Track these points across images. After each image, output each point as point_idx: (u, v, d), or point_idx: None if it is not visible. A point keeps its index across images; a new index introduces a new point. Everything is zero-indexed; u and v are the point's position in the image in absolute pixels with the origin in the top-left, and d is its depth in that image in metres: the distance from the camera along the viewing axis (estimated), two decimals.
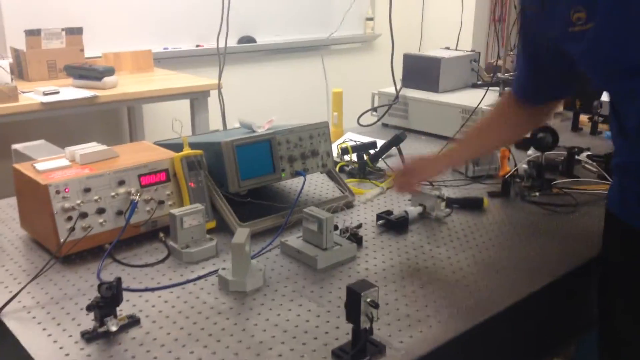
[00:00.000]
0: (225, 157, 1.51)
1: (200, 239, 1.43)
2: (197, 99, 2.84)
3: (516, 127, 1.64)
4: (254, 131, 1.66)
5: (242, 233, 1.28)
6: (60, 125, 3.03)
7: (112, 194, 1.43)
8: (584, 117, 2.58)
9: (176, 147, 1.57)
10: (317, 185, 1.88)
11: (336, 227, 1.47)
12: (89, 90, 2.57)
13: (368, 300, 1.01)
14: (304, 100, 3.66)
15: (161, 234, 1.46)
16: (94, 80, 2.63)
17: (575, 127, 2.55)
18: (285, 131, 1.61)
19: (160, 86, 2.80)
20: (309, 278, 1.32)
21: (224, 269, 1.29)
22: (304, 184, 1.58)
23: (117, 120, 3.41)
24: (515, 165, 1.91)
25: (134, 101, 2.82)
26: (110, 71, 2.64)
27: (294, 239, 1.45)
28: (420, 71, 2.55)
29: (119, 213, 1.43)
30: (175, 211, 1.40)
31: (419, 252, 1.45)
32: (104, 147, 1.54)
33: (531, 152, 2.06)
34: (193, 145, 1.56)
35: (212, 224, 1.55)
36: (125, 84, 2.76)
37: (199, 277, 1.31)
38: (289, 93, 3.79)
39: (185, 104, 2.95)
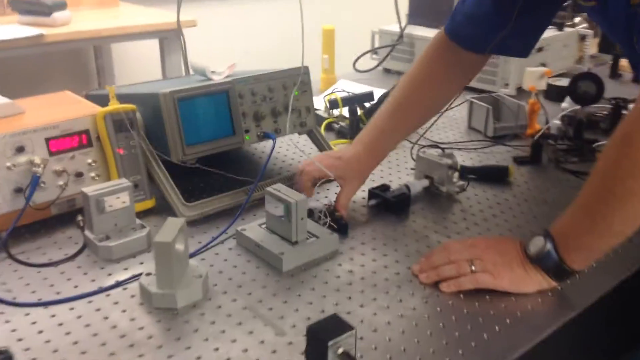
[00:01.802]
0: (165, 115, 1.12)
1: (127, 226, 1.06)
2: (166, 38, 2.42)
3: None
4: (208, 79, 1.26)
5: (171, 226, 0.90)
6: (7, 71, 2.62)
7: (8, 164, 1.05)
8: (625, 62, 2.15)
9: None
10: (293, 151, 1.49)
11: (311, 212, 1.09)
12: (35, 28, 2.16)
13: (339, 352, 0.64)
14: (291, 41, 3.20)
15: (79, 218, 1.09)
16: (42, 16, 2.21)
17: (615, 74, 2.13)
18: (250, 79, 1.21)
19: (122, 23, 2.37)
20: (269, 286, 0.95)
21: (149, 273, 0.93)
22: (272, 149, 1.19)
23: (82, 65, 3.00)
24: (547, 121, 1.51)
25: (88, 41, 2.40)
26: (61, 5, 2.21)
27: (254, 228, 1.07)
28: (430, 5, 2.11)
29: (18, 190, 1.06)
30: (90, 189, 1.02)
31: (424, 243, 1.07)
32: (3, 100, 1.15)
33: (566, 104, 1.66)
34: (124, 98, 1.17)
35: (150, 203, 1.17)
36: (81, 21, 2.34)
37: (115, 285, 0.94)
38: (274, 32, 3.34)
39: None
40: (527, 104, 1.58)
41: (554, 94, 1.76)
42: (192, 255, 1.02)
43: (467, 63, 1.24)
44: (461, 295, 0.92)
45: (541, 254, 0.92)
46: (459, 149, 1.50)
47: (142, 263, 1.01)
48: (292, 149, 1.48)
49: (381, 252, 1.04)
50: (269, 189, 1.03)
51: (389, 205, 1.18)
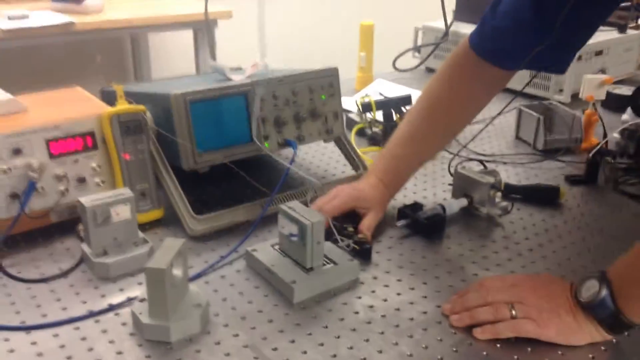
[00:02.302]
0: (176, 118, 1.02)
1: (128, 241, 0.96)
2: (200, 29, 2.33)
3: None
4: (228, 79, 1.15)
5: (169, 248, 0.80)
6: (41, 60, 2.57)
7: (4, 167, 0.96)
8: None
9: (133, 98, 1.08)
10: (319, 159, 1.37)
11: (330, 233, 0.97)
12: (65, 15, 2.10)
13: None
14: (331, 37, 3.06)
15: (80, 228, 1.00)
16: (74, 3, 2.15)
17: None
18: (272, 81, 1.10)
19: (155, 12, 2.29)
20: (277, 320, 0.83)
21: (144, 299, 0.82)
22: (293, 159, 1.08)
23: (119, 56, 2.94)
24: (605, 135, 1.35)
25: (120, 30, 2.33)
26: None
27: (266, 249, 0.96)
28: (479, 0, 1.96)
29: (14, 196, 0.97)
30: (88, 199, 0.93)
31: (458, 276, 0.94)
32: (4, 96, 1.06)
33: (627, 116, 1.49)
34: (134, 97, 1.07)
35: (159, 214, 1.07)
36: (114, 9, 2.27)
37: (106, 310, 0.85)
38: (311, 27, 3.21)
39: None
40: (583, 114, 1.42)
41: (613, 103, 1.59)
42: (194, 278, 0.92)
43: (493, 79, 1.10)
44: (498, 345, 0.79)
45: (595, 301, 0.78)
46: (504, 162, 1.35)
47: (140, 283, 0.91)
48: (317, 157, 1.36)
49: (408, 284, 0.92)
50: (282, 206, 0.92)
51: (421, 227, 1.05)
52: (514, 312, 0.80)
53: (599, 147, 1.31)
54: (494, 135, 1.51)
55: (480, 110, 1.13)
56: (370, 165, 1.14)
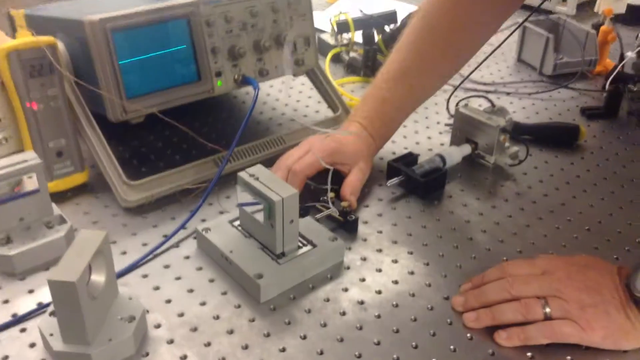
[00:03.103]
0: (94, 53, 0.77)
1: (38, 221, 0.73)
2: None
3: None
4: None
5: (82, 247, 0.57)
6: None
7: None
8: None
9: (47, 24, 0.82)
10: (288, 100, 1.13)
11: (305, 209, 0.75)
12: None
13: None
14: None
15: None
16: None
17: None
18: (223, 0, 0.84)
19: None
20: (239, 330, 0.63)
21: (54, 312, 0.61)
22: (254, 101, 0.84)
23: None
24: (622, 57, 1.13)
25: None
26: None
27: (223, 226, 0.74)
28: None
29: None
30: None
31: (468, 251, 0.74)
32: None
33: None
34: (41, 24, 0.81)
35: (82, 177, 0.84)
36: None
37: (7, 324, 0.63)
38: None
39: None
40: (597, 31, 1.20)
41: (633, 18, 1.36)
42: (128, 271, 0.70)
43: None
44: (529, 354, 0.61)
45: None
46: (507, 93, 1.14)
47: None
48: (275, 99, 1.12)
49: (406, 266, 0.72)
50: (242, 175, 0.69)
51: (417, 186, 0.84)
52: (547, 310, 0.62)
53: (616, 71, 1.10)
54: (492, 58, 1.27)
55: (490, 37, 0.90)
56: (353, 109, 0.91)
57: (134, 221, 0.78)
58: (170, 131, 0.96)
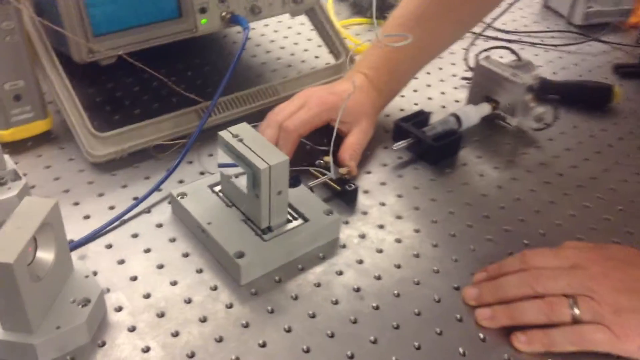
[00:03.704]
0: None
1: None
2: None
3: None
4: None
5: (23, 219, 0.47)
6: None
7: None
8: None
9: None
10: (282, 41, 1.01)
11: (296, 178, 0.64)
12: None
13: None
14: None
15: None
16: None
17: None
18: None
19: None
20: (214, 318, 0.54)
21: None
22: (243, 44, 0.72)
23: None
24: None
25: None
26: None
27: (202, 192, 0.64)
28: None
29: None
30: None
31: (483, 230, 0.64)
32: None
33: None
34: None
35: (44, 125, 0.73)
36: None
37: None
38: None
39: None
40: None
41: None
42: (88, 240, 0.60)
43: None
44: None
45: None
46: (532, 43, 1.02)
47: None
48: (280, 38, 1.00)
49: (411, 247, 0.62)
50: (222, 134, 0.59)
51: (427, 150, 0.73)
52: (576, 312, 0.52)
53: None
54: (515, 4, 1.15)
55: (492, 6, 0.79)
56: (358, 57, 0.79)
57: (101, 179, 0.68)
58: (148, 77, 0.85)
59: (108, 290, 0.55)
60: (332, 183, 0.67)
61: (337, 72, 0.86)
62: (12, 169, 0.65)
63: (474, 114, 0.78)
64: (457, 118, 0.76)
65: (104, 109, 0.79)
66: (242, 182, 0.58)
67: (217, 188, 0.64)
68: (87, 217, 0.63)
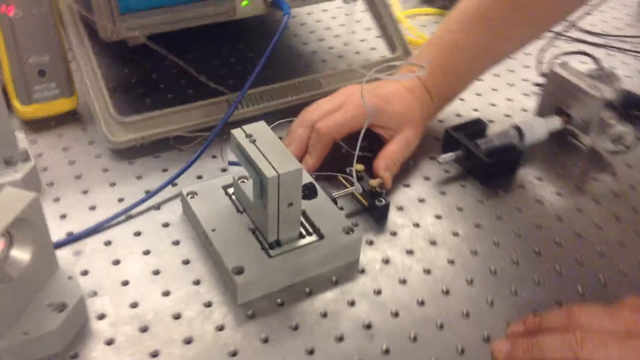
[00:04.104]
0: None
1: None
2: None
3: None
4: None
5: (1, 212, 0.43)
6: None
7: None
8: None
9: None
10: (333, 30, 0.93)
11: (311, 188, 0.57)
12: None
13: None
14: None
15: None
16: None
17: None
18: None
19: None
20: (200, 341, 0.48)
21: None
22: (282, 30, 0.65)
23: None
24: None
25: None
26: None
27: (214, 192, 0.58)
28: None
29: None
30: None
31: (534, 270, 0.55)
32: None
33: None
34: None
35: (69, 104, 0.69)
36: None
37: None
38: None
39: None
40: None
41: None
42: (86, 235, 0.56)
43: None
44: None
45: None
46: (624, 50, 0.89)
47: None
48: (332, 26, 0.92)
49: (441, 280, 0.53)
50: (235, 132, 0.52)
51: (479, 167, 0.64)
52: None
53: None
54: (607, 1, 1.01)
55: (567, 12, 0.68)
56: (414, 53, 0.71)
57: (117, 167, 0.64)
58: (193, 55, 0.80)
59: (95, 293, 0.51)
60: (359, 196, 0.59)
61: (391, 68, 0.77)
62: (24, 149, 0.61)
63: (540, 128, 0.67)
64: (520, 131, 0.66)
65: (137, 91, 0.74)
66: (249, 188, 0.52)
67: (232, 190, 0.58)
68: (93, 207, 0.59)
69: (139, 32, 0.63)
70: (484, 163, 0.63)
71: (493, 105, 0.76)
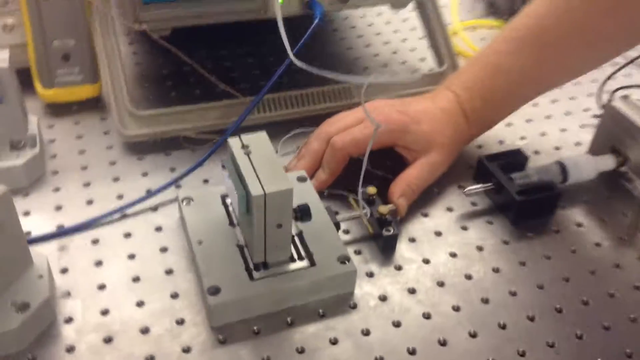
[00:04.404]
0: None
1: (3, 137, 0.59)
2: None
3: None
4: None
5: None
6: None
7: None
8: None
9: None
10: (391, 37, 0.87)
11: (304, 210, 0.51)
12: None
13: None
14: None
15: None
16: None
17: None
18: None
19: None
20: (165, 358, 0.45)
21: None
22: (311, 31, 0.60)
23: None
24: None
25: None
26: None
27: (211, 200, 0.54)
28: None
29: None
30: None
31: (547, 325, 0.48)
32: None
33: None
34: None
35: (91, 91, 0.68)
36: None
37: None
38: None
39: None
40: None
41: None
42: (75, 231, 0.54)
43: None
44: None
45: None
46: None
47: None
48: (388, 32, 0.86)
49: (439, 329, 0.47)
50: (231, 141, 0.48)
51: (508, 203, 0.57)
52: None
53: None
54: None
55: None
56: (452, 75, 0.64)
57: (124, 161, 0.61)
58: (228, 51, 0.77)
59: (68, 294, 0.48)
60: (367, 222, 0.54)
61: (435, 82, 0.71)
62: (33, 134, 0.60)
63: (589, 167, 0.60)
64: (563, 168, 0.59)
65: (165, 83, 0.72)
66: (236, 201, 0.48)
67: (229, 200, 0.54)
68: (90, 202, 0.57)
69: (154, 26, 0.60)
70: (514, 200, 0.56)
71: (543, 134, 0.68)
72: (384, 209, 0.53)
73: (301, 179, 0.56)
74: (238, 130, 0.58)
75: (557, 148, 0.66)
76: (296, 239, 0.51)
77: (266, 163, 0.46)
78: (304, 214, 0.48)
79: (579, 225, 0.57)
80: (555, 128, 0.69)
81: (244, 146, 0.48)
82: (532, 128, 0.69)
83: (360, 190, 0.52)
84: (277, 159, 0.47)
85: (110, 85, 0.62)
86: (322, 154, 0.58)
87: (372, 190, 0.55)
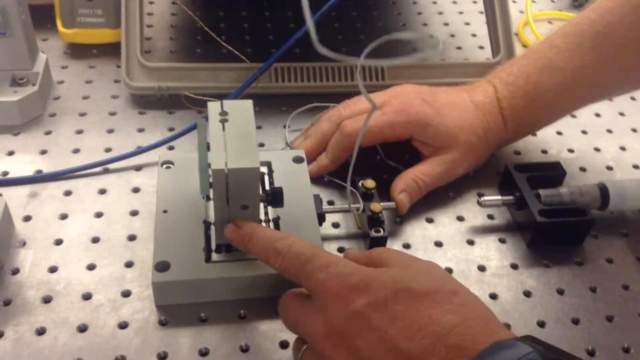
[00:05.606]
0: None
1: (6, 72, 0.56)
2: None
3: None
4: None
5: None
6: None
7: None
8: None
9: None
10: (454, 18, 0.78)
11: (277, 193, 0.45)
12: None
13: None
14: None
15: None
16: None
17: None
18: None
19: None
20: (97, 329, 0.41)
21: None
22: (329, 6, 0.54)
23: None
24: None
25: None
26: None
27: (193, 164, 0.50)
28: None
29: None
30: None
31: None
32: None
33: None
34: None
35: (111, 36, 0.64)
36: None
37: None
38: None
39: None
40: None
41: None
42: (50, 179, 0.51)
43: None
44: None
45: None
46: None
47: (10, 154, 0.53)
48: (453, 12, 0.77)
49: None
50: (211, 105, 0.43)
51: (528, 223, 0.49)
52: None
53: None
54: None
55: None
56: (504, 64, 0.56)
57: (125, 114, 0.58)
58: (270, 12, 0.72)
59: (23, 244, 0.46)
60: (357, 218, 0.48)
61: (484, 73, 0.63)
62: (37, 72, 0.58)
63: (635, 194, 0.50)
64: (604, 192, 0.50)
65: (194, 37, 0.68)
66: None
67: None
68: (76, 150, 0.54)
69: None
70: (534, 221, 0.48)
71: (597, 150, 0.59)
72: (376, 206, 0.47)
73: (297, 160, 0.51)
74: (246, 97, 0.53)
75: (609, 168, 0.57)
76: (270, 224, 0.46)
77: (240, 135, 0.41)
78: (275, 198, 0.43)
79: (610, 261, 0.49)
80: (613, 144, 0.60)
81: (222, 112, 0.43)
82: (585, 140, 0.60)
83: (349, 179, 0.46)
84: (254, 132, 0.42)
85: (124, 30, 0.59)
86: (329, 136, 0.52)
87: (370, 183, 0.48)
